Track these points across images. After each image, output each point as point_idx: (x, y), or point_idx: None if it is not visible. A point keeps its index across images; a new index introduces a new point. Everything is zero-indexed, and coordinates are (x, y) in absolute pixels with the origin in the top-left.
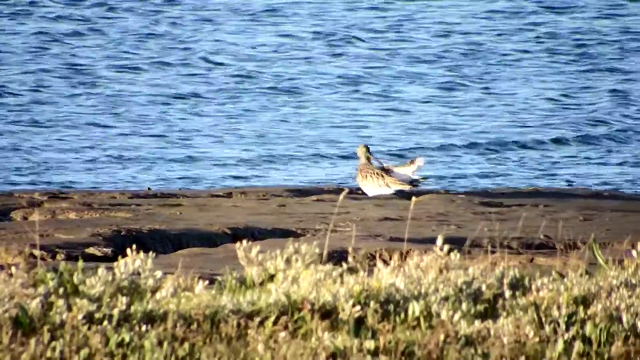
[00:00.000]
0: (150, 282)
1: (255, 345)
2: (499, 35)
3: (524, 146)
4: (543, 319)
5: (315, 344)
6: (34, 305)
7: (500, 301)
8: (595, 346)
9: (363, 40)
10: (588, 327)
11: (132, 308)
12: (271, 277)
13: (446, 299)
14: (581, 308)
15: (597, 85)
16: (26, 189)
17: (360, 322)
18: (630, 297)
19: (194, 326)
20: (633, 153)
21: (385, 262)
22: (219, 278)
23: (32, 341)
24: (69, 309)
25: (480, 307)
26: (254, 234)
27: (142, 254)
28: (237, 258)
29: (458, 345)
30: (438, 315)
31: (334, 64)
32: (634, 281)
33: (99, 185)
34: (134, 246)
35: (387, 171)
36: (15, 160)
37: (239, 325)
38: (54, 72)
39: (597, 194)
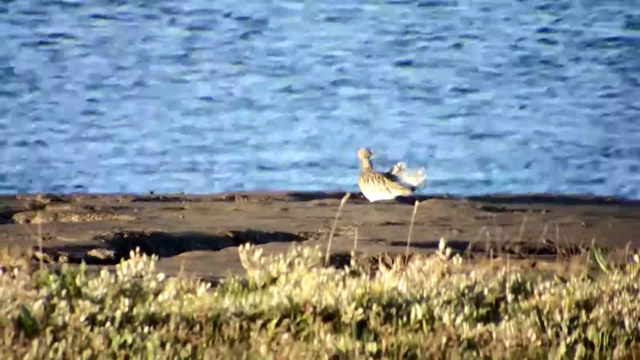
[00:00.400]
0: (153, 284)
1: (257, 347)
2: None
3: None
4: (545, 323)
5: (318, 347)
6: (36, 307)
7: (503, 305)
8: (597, 350)
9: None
10: (590, 331)
11: (135, 310)
12: (273, 280)
13: (448, 302)
14: (583, 312)
15: None
16: (28, 192)
17: (362, 325)
18: (632, 301)
19: (197, 328)
20: None
21: (388, 266)
22: (222, 281)
23: (35, 343)
24: (72, 310)
25: (482, 311)
26: (256, 238)
27: (144, 257)
28: (240, 261)
29: (460, 349)
30: (440, 318)
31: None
32: (635, 286)
33: (102, 188)
34: (137, 249)
35: (390, 176)
36: (17, 163)
37: (241, 327)
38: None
39: (599, 199)
